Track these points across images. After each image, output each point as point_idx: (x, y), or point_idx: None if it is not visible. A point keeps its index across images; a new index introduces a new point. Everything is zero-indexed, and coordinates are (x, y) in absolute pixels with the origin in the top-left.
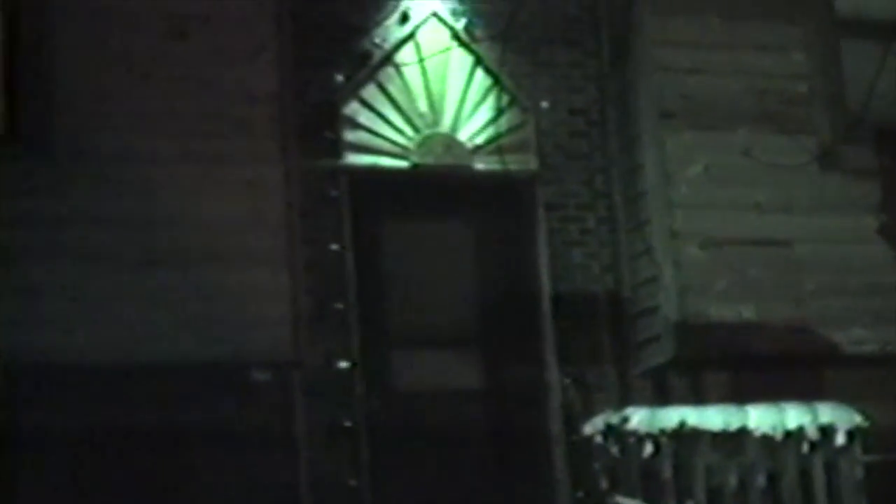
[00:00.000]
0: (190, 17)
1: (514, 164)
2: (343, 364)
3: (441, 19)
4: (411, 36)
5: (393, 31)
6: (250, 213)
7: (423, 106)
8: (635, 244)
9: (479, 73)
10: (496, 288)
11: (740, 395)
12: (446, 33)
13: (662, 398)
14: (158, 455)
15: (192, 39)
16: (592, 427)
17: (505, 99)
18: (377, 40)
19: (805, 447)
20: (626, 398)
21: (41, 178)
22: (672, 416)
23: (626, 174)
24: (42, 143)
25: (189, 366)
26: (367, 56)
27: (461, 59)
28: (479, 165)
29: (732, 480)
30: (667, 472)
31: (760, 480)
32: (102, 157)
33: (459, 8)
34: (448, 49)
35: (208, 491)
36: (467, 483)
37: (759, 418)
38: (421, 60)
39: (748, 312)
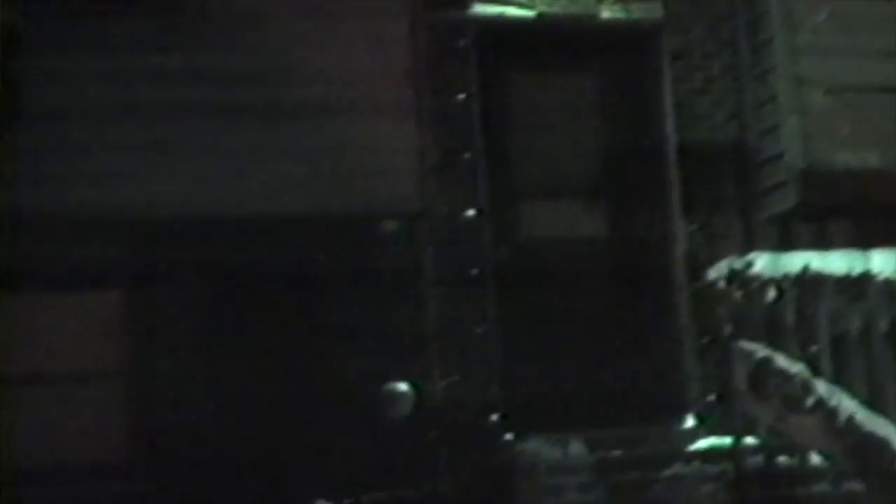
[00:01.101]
0: None
1: (639, 12)
2: (470, 213)
3: None
4: None
5: None
6: (377, 65)
7: None
8: (760, 92)
9: None
10: (621, 137)
11: (864, 243)
12: None
13: (786, 245)
14: (290, 303)
15: None
16: (716, 273)
17: None
18: None
19: None
20: (751, 245)
21: (166, 34)
22: (795, 261)
23: (751, 21)
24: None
25: (319, 217)
26: None
27: None
28: (605, 14)
29: (855, 325)
30: (790, 317)
31: (883, 325)
32: (228, 15)
33: None
34: None
35: (338, 337)
36: (591, 330)
37: (883, 262)
38: None
39: (873, 159)
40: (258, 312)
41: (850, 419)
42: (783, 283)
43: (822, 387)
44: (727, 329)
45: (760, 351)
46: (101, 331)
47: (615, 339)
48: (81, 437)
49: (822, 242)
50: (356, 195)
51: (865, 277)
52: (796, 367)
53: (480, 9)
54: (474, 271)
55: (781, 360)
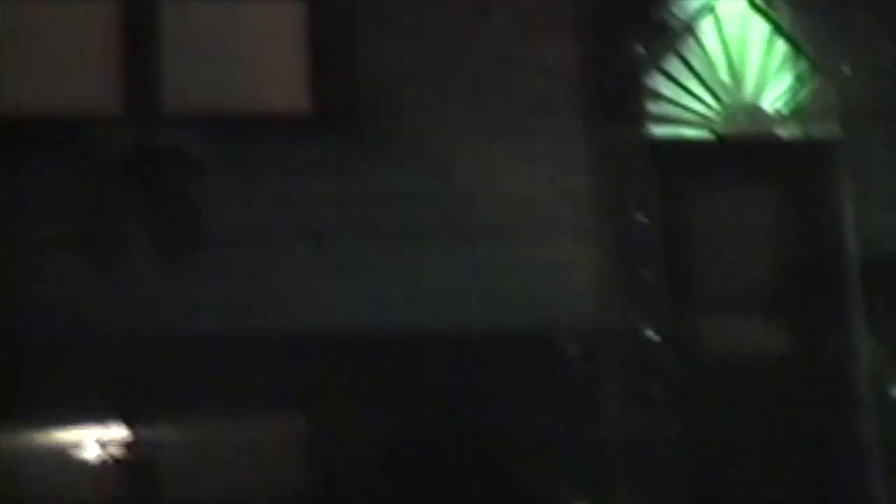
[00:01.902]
0: None
1: (818, 130)
2: (650, 333)
3: None
4: (710, 6)
5: (691, 1)
6: (554, 187)
7: (724, 75)
8: None
9: (779, 40)
10: (802, 254)
11: None
12: (744, 1)
13: None
14: (470, 422)
15: (494, 16)
16: None
17: (805, 65)
18: (676, 11)
19: None
20: None
21: (348, 157)
22: None
23: None
24: (349, 121)
25: (496, 337)
26: (666, 27)
27: (760, 27)
28: (783, 133)
29: None
30: None
31: None
32: (408, 135)
33: None
34: (747, 17)
35: (519, 457)
36: (773, 448)
37: None
38: (720, 30)
39: None
40: (437, 432)
41: None
42: None
43: None
44: None
45: None
46: (281, 454)
47: (797, 457)
48: None
49: None
50: (536, 315)
51: None
52: None
53: (658, 129)
54: (654, 391)
55: None
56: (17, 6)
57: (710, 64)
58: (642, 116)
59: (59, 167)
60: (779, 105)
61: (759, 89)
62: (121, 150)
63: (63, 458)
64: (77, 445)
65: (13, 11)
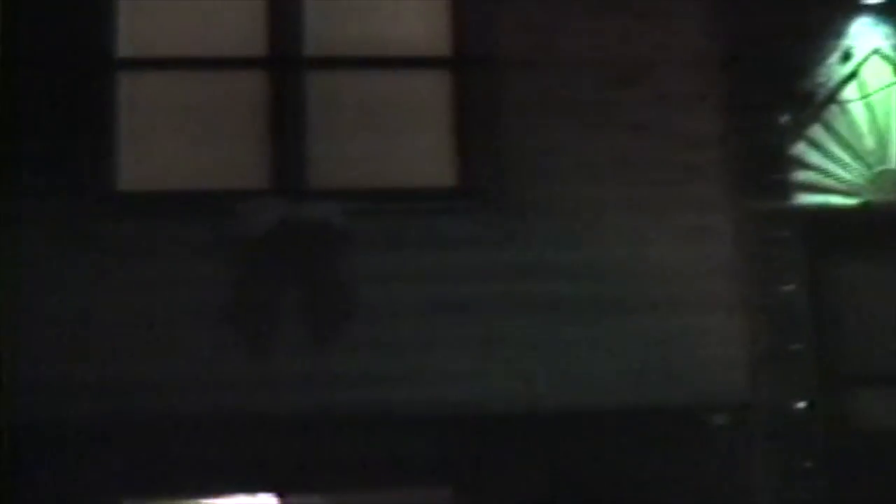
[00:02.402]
0: (635, 63)
1: None
2: (800, 405)
3: (883, 55)
4: (854, 73)
5: (835, 69)
6: (699, 258)
7: (870, 142)
8: None
9: None
10: None
11: None
12: (888, 68)
13: None
14: (618, 497)
15: (637, 86)
16: None
17: None
18: (820, 80)
19: None
20: None
21: (493, 230)
22: None
23: None
24: (492, 194)
25: (644, 410)
26: (810, 96)
27: None
28: None
29: None
30: None
31: None
32: (552, 208)
33: None
34: (892, 84)
35: None
36: None
37: None
38: (865, 97)
39: None
40: None
41: None
42: None
43: None
44: None
45: None
46: None
47: None
48: None
49: None
50: (684, 388)
51: None
52: None
53: (804, 198)
54: (806, 464)
55: None
56: (166, 79)
57: (856, 131)
58: (788, 186)
59: (204, 240)
60: None
61: None
62: (266, 224)
63: None
64: None
65: (163, 84)
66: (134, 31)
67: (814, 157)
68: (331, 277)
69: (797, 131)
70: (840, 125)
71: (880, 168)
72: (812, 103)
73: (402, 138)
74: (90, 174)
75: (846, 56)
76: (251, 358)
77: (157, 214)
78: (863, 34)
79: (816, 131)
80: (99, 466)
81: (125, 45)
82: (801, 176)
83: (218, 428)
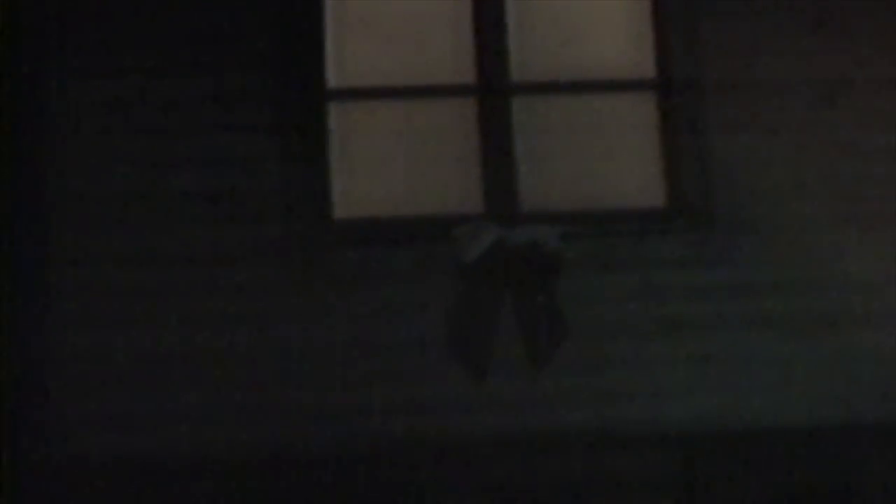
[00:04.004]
0: (837, 82)
1: None
2: None
3: None
4: None
5: None
6: None
7: None
8: None
9: None
10: None
11: None
12: None
13: None
14: None
15: (840, 105)
16: None
17: None
18: None
19: None
20: None
21: (703, 249)
22: None
23: None
24: (701, 215)
25: (857, 428)
26: None
27: None
28: None
29: None
30: None
31: None
32: (760, 226)
33: None
34: None
35: None
36: None
37: None
38: None
39: None
40: None
41: None
42: None
43: None
44: None
45: None
46: None
47: None
48: None
49: None
50: (889, 403)
51: None
52: None
53: None
54: None
55: None
56: (374, 106)
57: None
58: None
59: (418, 266)
60: None
61: None
62: (480, 248)
63: None
64: None
65: (371, 111)
66: (343, 61)
67: None
68: (545, 300)
69: None
70: None
71: None
72: None
73: (610, 161)
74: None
75: None
76: (469, 382)
77: (369, 242)
78: None
79: None
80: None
81: (335, 76)
82: None
83: (440, 451)
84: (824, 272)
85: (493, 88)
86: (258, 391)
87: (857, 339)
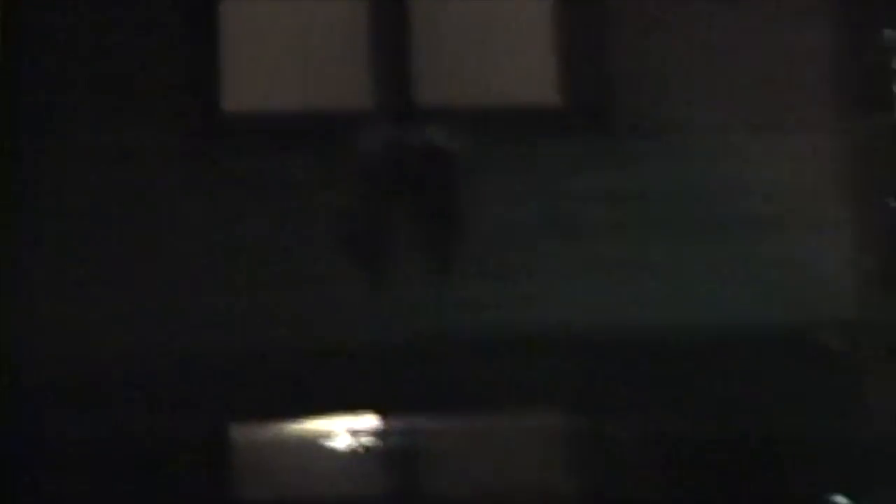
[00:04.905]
0: None
1: None
2: None
3: None
4: None
5: None
6: (806, 177)
7: None
8: None
9: None
10: None
11: None
12: None
13: None
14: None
15: (744, 4)
16: None
17: None
18: None
19: None
20: None
21: (600, 152)
22: None
23: None
24: (601, 116)
25: (755, 333)
26: None
27: None
28: None
29: None
30: None
31: None
32: (659, 129)
33: None
34: None
35: (778, 453)
36: None
37: None
38: None
39: None
40: (702, 432)
41: None
42: None
43: None
44: None
45: None
46: (536, 451)
47: None
48: None
49: None
50: (791, 308)
51: None
52: None
53: None
54: None
55: None
56: (264, 3)
57: None
58: (893, 101)
59: (306, 164)
60: None
61: None
62: (371, 146)
63: (314, 449)
64: (328, 436)
65: (261, 7)
66: None
67: None
68: (441, 201)
69: None
70: None
71: None
72: None
73: (507, 58)
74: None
75: None
76: (362, 285)
77: (256, 139)
78: None
79: None
80: (212, 389)
81: None
82: None
83: (335, 352)
84: (723, 176)
85: None
86: (143, 294)
87: (754, 244)
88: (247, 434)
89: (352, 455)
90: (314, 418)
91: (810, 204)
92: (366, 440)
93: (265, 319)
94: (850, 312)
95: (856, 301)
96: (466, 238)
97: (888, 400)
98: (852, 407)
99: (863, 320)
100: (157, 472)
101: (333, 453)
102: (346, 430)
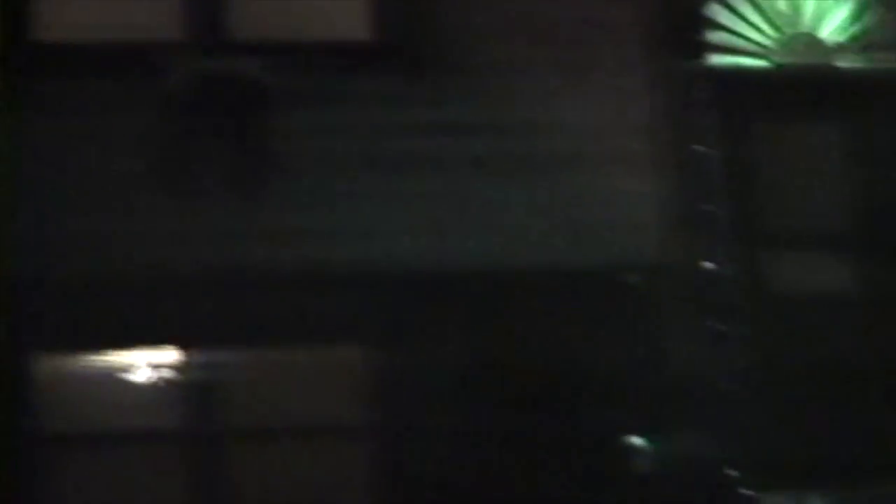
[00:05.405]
0: None
1: (878, 61)
2: (711, 266)
3: None
4: None
5: None
6: (614, 118)
7: (782, 4)
8: None
9: None
10: (865, 187)
11: None
12: None
13: None
14: (527, 356)
15: None
16: None
17: None
18: None
19: None
20: None
21: (415, 87)
22: None
23: None
24: (414, 51)
25: (557, 270)
26: None
27: None
28: (842, 63)
29: None
30: None
31: None
32: (471, 66)
33: None
34: None
35: (575, 391)
36: (837, 385)
37: None
38: None
39: None
40: (498, 366)
41: None
42: None
43: None
44: None
45: None
46: (339, 383)
47: (860, 395)
48: (322, 492)
49: None
50: (595, 247)
51: None
52: None
53: (718, 60)
54: (716, 325)
55: None
56: None
57: None
58: (703, 47)
59: (117, 94)
60: (838, 35)
61: (818, 19)
62: (182, 78)
63: (115, 381)
64: (129, 369)
65: None
66: None
67: (727, 18)
68: (248, 132)
69: None
70: None
71: (790, 30)
72: None
73: None
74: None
75: None
76: (168, 214)
77: (65, 68)
78: None
79: None
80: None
81: None
82: (715, 37)
83: (136, 283)
84: (533, 115)
85: None
86: None
87: (561, 184)
88: (47, 366)
89: (151, 388)
90: (115, 351)
91: (618, 145)
92: (166, 373)
93: (65, 246)
94: (654, 254)
95: (659, 243)
96: (275, 170)
97: (687, 343)
98: (652, 349)
99: (666, 262)
100: None
101: (133, 386)
102: (146, 364)
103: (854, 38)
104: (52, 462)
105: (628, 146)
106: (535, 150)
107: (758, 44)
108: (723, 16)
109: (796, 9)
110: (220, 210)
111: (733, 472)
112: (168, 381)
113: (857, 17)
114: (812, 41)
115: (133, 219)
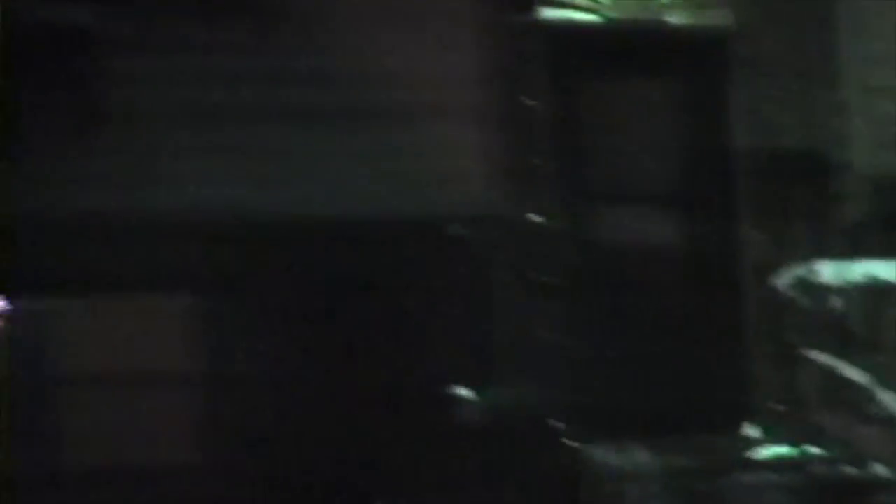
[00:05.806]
0: None
1: (709, 18)
2: (539, 219)
3: None
4: None
5: None
6: (444, 70)
7: None
8: (830, 99)
9: None
10: (690, 143)
11: None
12: None
13: (855, 254)
14: (357, 307)
15: None
16: (783, 280)
17: None
18: None
19: None
20: (819, 253)
21: (238, 36)
22: (863, 270)
23: (821, 29)
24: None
25: (383, 220)
26: None
27: None
28: (673, 20)
29: None
30: (856, 326)
31: None
32: (297, 15)
33: None
34: None
35: (405, 342)
36: (657, 337)
37: None
38: None
39: None
40: (325, 317)
41: None
42: (850, 292)
43: (889, 397)
44: (793, 337)
45: (828, 360)
46: (169, 334)
47: (681, 347)
48: (150, 440)
49: (892, 251)
50: (424, 198)
51: None
52: (863, 378)
53: (549, 13)
54: (540, 276)
55: (848, 371)
56: None
57: None
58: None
59: None
60: None
61: None
62: (9, 25)
63: None
64: None
65: None
66: None
67: None
68: (74, 79)
69: None
70: None
71: None
72: None
73: None
74: None
75: None
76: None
77: None
78: None
79: None
80: None
81: None
82: None
83: None
84: (358, 64)
85: None
86: None
87: (389, 134)
88: None
89: None
90: None
91: (447, 96)
92: None
93: None
94: (480, 206)
95: (486, 195)
96: (104, 119)
97: (513, 295)
98: (477, 300)
99: (492, 214)
100: None
101: None
102: None
103: None
104: None
105: (457, 98)
106: (363, 100)
107: None
108: None
109: None
110: (49, 158)
111: (558, 424)
112: None
113: None
114: None
115: None
